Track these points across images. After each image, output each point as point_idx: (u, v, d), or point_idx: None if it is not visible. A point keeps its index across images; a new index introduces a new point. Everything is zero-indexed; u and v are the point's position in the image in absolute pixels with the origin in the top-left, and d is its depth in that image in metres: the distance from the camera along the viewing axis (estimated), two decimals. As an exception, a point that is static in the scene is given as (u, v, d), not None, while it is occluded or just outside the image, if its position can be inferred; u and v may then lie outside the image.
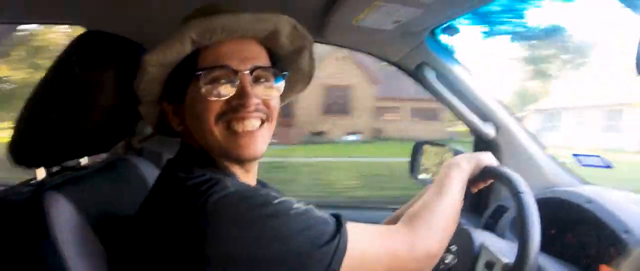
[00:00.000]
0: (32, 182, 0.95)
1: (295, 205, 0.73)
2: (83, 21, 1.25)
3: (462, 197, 0.92)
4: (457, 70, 1.38)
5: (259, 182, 0.93)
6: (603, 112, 14.27)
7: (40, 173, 0.97)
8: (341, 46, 1.39)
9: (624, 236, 1.00)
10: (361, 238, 0.75)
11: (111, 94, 0.94)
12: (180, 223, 0.70)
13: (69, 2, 1.21)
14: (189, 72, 0.80)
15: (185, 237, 0.68)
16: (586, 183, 1.46)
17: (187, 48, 0.79)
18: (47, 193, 0.83)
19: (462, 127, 1.57)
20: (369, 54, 1.41)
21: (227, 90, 0.78)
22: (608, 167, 1.34)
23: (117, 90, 0.94)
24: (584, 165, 1.46)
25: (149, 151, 1.37)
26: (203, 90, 0.78)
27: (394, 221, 1.06)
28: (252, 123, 0.80)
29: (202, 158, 0.83)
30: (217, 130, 0.79)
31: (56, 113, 0.90)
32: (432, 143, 1.61)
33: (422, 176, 1.57)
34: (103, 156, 1.15)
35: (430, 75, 1.38)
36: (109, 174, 1.04)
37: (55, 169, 0.97)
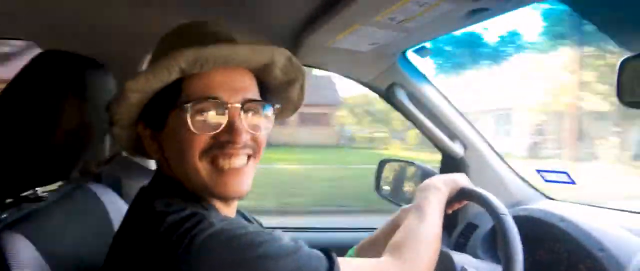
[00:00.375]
0: None
1: (285, 242, 0.69)
2: (36, 37, 1.14)
3: (442, 220, 0.91)
4: (427, 89, 1.39)
5: (238, 212, 0.88)
6: (493, 116, 14.84)
7: None
8: (312, 67, 1.36)
9: (599, 254, 1.03)
10: None
11: (72, 117, 0.86)
12: (162, 266, 0.64)
13: (21, 16, 1.10)
14: (172, 98, 0.73)
15: None
16: (550, 198, 1.51)
17: (174, 76, 0.72)
18: (4, 233, 0.76)
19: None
20: (341, 74, 1.39)
21: (214, 124, 0.72)
22: (572, 183, 1.39)
23: (77, 112, 0.87)
24: (547, 181, 1.51)
25: (106, 175, 1.27)
26: (189, 122, 0.71)
27: (369, 247, 1.05)
28: (240, 160, 0.74)
29: (181, 188, 0.76)
30: (201, 166, 0.72)
31: (10, 141, 0.82)
32: (397, 160, 1.61)
33: (385, 193, 1.57)
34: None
35: (401, 96, 1.37)
36: (67, 205, 0.96)
37: (8, 200, 0.88)
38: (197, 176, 0.73)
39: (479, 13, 0.92)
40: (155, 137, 0.77)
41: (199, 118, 0.71)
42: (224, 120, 0.72)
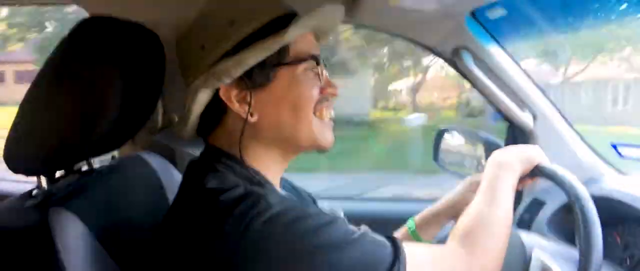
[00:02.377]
0: (33, 192, 0.83)
1: (347, 229, 0.66)
2: (83, 2, 1.10)
3: (513, 200, 0.83)
4: (496, 53, 1.27)
5: (285, 181, 0.89)
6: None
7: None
8: (371, 28, 1.26)
9: None
10: (420, 261, 0.68)
11: (119, 90, 0.82)
12: (217, 250, 0.61)
13: None
14: (278, 57, 0.74)
15: (223, 267, 0.60)
16: (623, 174, 1.39)
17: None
18: (52, 210, 0.73)
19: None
20: (402, 37, 1.28)
21: (317, 80, 0.76)
22: (652, 159, 1.26)
23: (129, 83, 0.82)
24: (622, 157, 1.38)
25: (159, 144, 1.25)
26: (304, 78, 0.75)
27: (431, 219, 0.99)
28: (332, 111, 0.80)
29: (234, 162, 0.73)
30: (313, 120, 0.76)
31: (56, 115, 0.78)
32: (457, 129, 1.51)
33: (444, 163, 1.48)
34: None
35: (468, 60, 1.26)
36: (120, 177, 0.94)
37: (59, 173, 0.86)
38: (310, 130, 0.75)
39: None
40: (244, 99, 0.73)
41: (310, 74, 0.75)
42: (323, 75, 0.77)
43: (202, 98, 0.73)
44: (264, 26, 0.72)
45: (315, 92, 0.75)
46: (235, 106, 0.73)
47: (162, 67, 0.96)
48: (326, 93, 0.77)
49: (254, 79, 0.72)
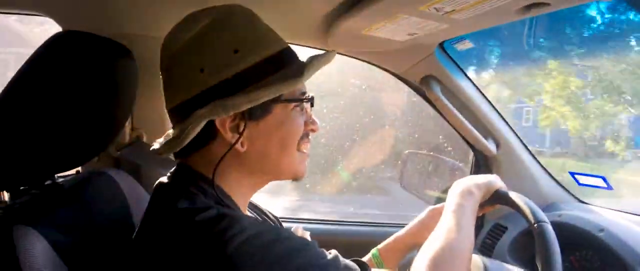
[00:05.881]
0: None
1: (320, 252, 0.66)
2: (55, 15, 1.08)
3: (474, 227, 0.86)
4: (462, 83, 1.31)
5: (251, 203, 0.90)
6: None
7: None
8: (343, 54, 1.29)
9: (638, 268, 0.99)
10: None
11: (89, 106, 0.81)
12: None
13: None
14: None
15: None
16: (582, 202, 1.45)
17: None
18: (16, 228, 0.70)
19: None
20: (373, 64, 1.31)
21: (303, 116, 0.79)
22: (609, 188, 1.32)
23: (100, 98, 0.82)
24: (581, 185, 1.45)
25: (125, 161, 1.22)
26: (296, 115, 0.77)
27: (394, 248, 1.01)
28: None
29: (206, 184, 0.73)
30: (296, 154, 0.79)
31: (27, 126, 0.76)
32: (423, 154, 1.56)
33: (409, 186, 1.52)
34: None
35: (436, 89, 1.30)
36: (84, 193, 0.91)
37: (22, 188, 0.83)
38: (292, 162, 0.78)
39: (536, 7, 0.84)
40: (236, 129, 0.73)
41: (299, 111, 0.78)
42: (308, 112, 0.81)
43: (202, 125, 0.71)
44: (267, 58, 0.73)
45: (301, 128, 0.78)
46: (228, 135, 0.72)
47: (134, 83, 0.95)
48: (308, 130, 0.80)
49: (252, 112, 0.72)
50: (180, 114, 0.73)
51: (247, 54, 0.72)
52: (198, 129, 0.70)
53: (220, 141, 0.73)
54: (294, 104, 0.76)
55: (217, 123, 0.71)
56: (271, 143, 0.75)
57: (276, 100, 0.73)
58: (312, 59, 0.75)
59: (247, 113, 0.72)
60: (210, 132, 0.72)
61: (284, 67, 0.74)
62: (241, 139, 0.72)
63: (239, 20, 0.74)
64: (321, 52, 0.79)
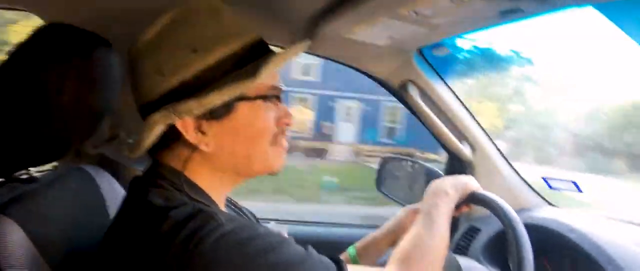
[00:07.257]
0: None
1: (295, 248, 0.67)
2: (38, 9, 1.07)
3: (449, 227, 0.88)
4: (440, 88, 1.35)
5: (228, 200, 0.89)
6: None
7: None
8: (326, 58, 1.31)
9: (608, 267, 1.02)
10: None
11: (72, 96, 0.80)
12: (166, 268, 0.60)
13: None
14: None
15: None
16: (552, 204, 1.49)
17: None
18: None
19: None
20: (354, 67, 1.34)
21: (275, 110, 0.76)
22: (579, 191, 1.37)
23: (79, 91, 0.81)
24: (552, 188, 1.49)
25: (103, 157, 1.21)
26: (264, 111, 0.74)
27: (371, 246, 1.02)
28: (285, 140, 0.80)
29: (181, 180, 0.72)
30: (269, 149, 0.76)
31: (6, 117, 0.76)
32: (400, 158, 1.58)
33: (387, 190, 1.54)
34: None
35: (414, 93, 1.33)
36: (61, 188, 0.90)
37: None
38: (265, 159, 0.76)
39: (510, 13, 0.88)
40: (201, 129, 0.71)
41: (269, 105, 0.75)
42: (283, 105, 0.78)
43: (159, 129, 0.70)
44: (228, 56, 0.70)
45: (272, 124, 0.75)
46: (191, 136, 0.71)
47: (115, 79, 0.95)
48: (282, 125, 0.77)
49: (214, 112, 0.70)
50: (143, 117, 0.73)
51: (205, 53, 0.69)
52: (154, 134, 0.69)
53: (184, 141, 0.71)
54: (260, 100, 0.73)
55: (179, 125, 0.70)
56: (239, 141, 0.73)
57: (238, 98, 0.71)
58: (271, 55, 0.72)
59: (208, 114, 0.70)
60: (174, 133, 0.70)
61: (245, 64, 0.71)
62: (206, 140, 0.71)
63: (200, 17, 0.72)
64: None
